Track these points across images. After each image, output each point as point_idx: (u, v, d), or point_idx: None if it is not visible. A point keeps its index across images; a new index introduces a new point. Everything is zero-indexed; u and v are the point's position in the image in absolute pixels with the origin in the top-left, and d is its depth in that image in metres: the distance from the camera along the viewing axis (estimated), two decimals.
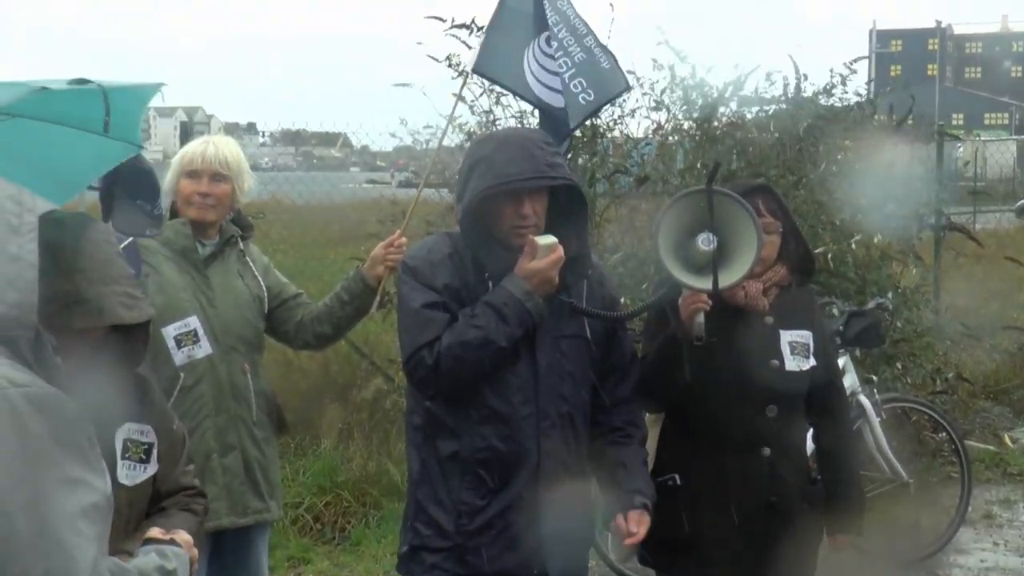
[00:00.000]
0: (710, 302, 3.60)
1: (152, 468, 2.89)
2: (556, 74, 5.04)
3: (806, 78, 8.83)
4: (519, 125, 7.79)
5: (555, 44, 5.05)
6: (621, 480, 3.69)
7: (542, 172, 3.50)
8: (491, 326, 3.45)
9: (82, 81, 2.85)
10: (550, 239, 3.51)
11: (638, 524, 3.60)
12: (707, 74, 8.55)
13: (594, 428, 3.75)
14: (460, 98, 6.50)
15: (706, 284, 3.56)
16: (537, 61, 5.07)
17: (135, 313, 2.60)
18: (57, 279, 2.45)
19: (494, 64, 5.13)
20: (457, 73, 8.07)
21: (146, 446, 2.88)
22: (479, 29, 7.98)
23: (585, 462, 3.71)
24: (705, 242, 3.56)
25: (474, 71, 5.24)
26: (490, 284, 3.55)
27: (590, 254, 3.79)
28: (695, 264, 3.62)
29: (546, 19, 5.09)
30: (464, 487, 3.56)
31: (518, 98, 5.41)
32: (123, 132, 3.29)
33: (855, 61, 9.18)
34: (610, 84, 5.18)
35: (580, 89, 5.05)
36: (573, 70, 5.06)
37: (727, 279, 3.58)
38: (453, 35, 8.03)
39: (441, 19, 8.06)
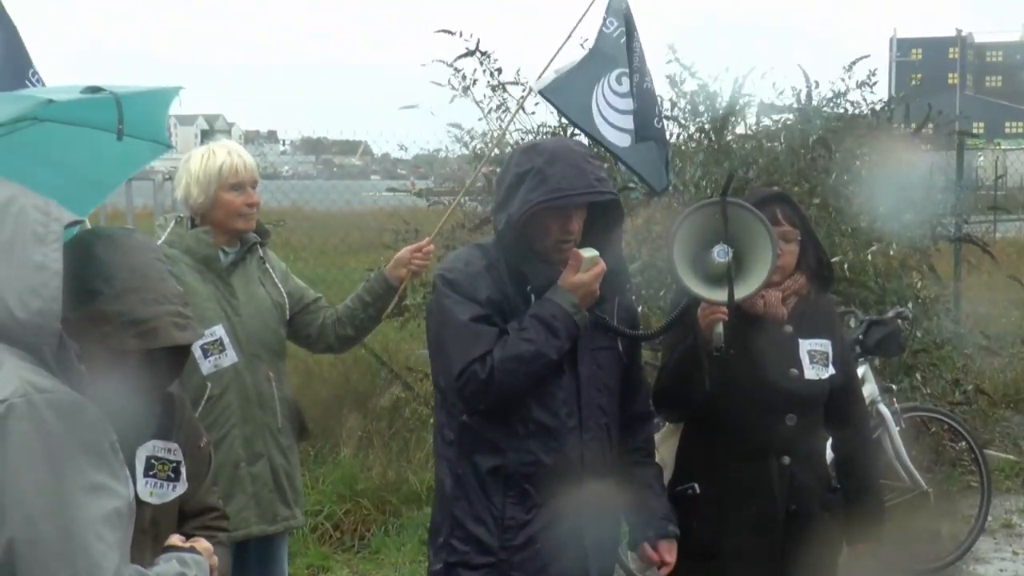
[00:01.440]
0: (727, 313, 3.61)
1: (181, 487, 2.84)
2: (626, 113, 4.93)
3: (817, 85, 8.85)
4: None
5: (626, 83, 4.94)
6: (652, 503, 3.74)
7: (592, 187, 3.48)
8: (542, 339, 3.42)
9: (95, 89, 2.85)
10: (592, 252, 3.50)
11: (670, 553, 3.69)
12: (713, 83, 8.58)
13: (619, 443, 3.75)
14: (521, 108, 6.46)
15: (722, 296, 3.57)
16: (606, 99, 4.92)
17: (188, 334, 2.56)
18: (111, 300, 2.43)
19: (563, 93, 4.92)
20: (461, 91, 8.07)
21: (174, 464, 2.82)
22: (483, 55, 8.00)
23: (617, 472, 3.71)
24: (720, 254, 3.56)
25: (540, 92, 5.01)
26: (532, 297, 3.52)
27: (626, 269, 3.78)
28: (711, 276, 3.62)
29: (628, 57, 4.97)
30: (509, 502, 3.52)
31: (581, 133, 5.23)
32: (144, 134, 3.30)
33: (856, 62, 9.17)
34: (651, 171, 5.05)
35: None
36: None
37: (743, 291, 3.58)
38: (469, 53, 8.01)
39: (450, 32, 8.04)
